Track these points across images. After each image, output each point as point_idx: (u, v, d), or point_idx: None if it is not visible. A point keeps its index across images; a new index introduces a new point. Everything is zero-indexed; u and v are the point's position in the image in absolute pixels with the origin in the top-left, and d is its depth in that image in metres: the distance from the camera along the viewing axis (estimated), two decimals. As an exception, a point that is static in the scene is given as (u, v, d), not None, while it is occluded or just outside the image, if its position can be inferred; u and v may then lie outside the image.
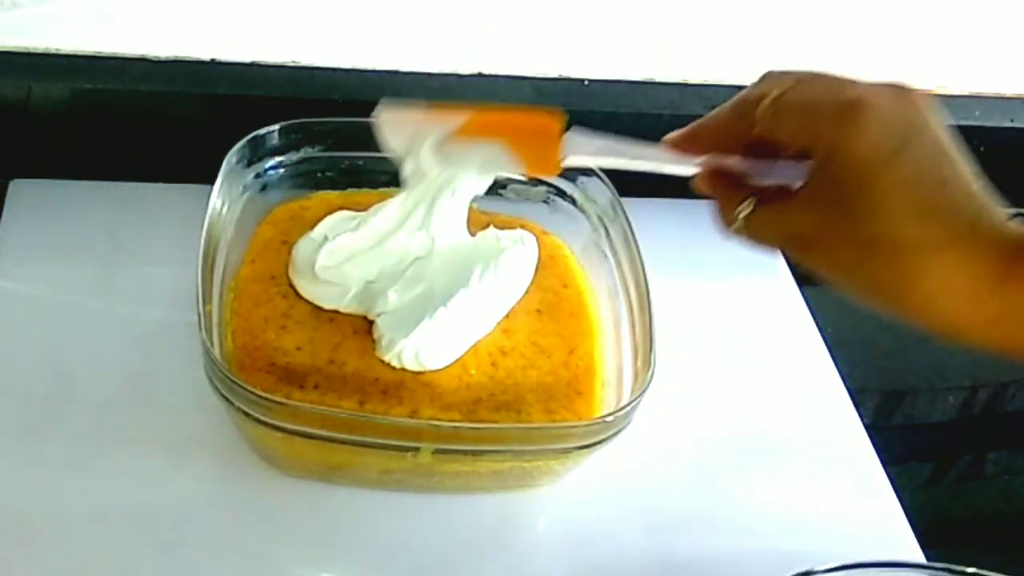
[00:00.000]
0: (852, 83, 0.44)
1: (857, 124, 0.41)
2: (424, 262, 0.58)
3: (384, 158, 0.64)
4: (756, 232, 0.46)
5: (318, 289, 0.58)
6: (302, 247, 0.59)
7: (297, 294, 0.59)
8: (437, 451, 0.52)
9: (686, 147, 0.48)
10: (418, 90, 0.69)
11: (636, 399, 0.53)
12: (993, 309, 0.41)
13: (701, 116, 0.47)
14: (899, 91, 0.43)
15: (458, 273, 0.57)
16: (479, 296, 0.57)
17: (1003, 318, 0.41)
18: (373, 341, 0.57)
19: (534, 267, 0.61)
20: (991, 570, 0.52)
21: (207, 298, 0.54)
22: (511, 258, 0.59)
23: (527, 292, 0.61)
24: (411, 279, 0.57)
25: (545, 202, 0.66)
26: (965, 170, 0.42)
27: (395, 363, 0.56)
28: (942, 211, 0.41)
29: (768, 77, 0.46)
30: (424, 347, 0.55)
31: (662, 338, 0.56)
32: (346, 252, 0.58)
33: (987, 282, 0.41)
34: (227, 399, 0.52)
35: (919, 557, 0.59)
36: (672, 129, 0.48)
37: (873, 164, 0.41)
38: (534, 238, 0.61)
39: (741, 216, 0.46)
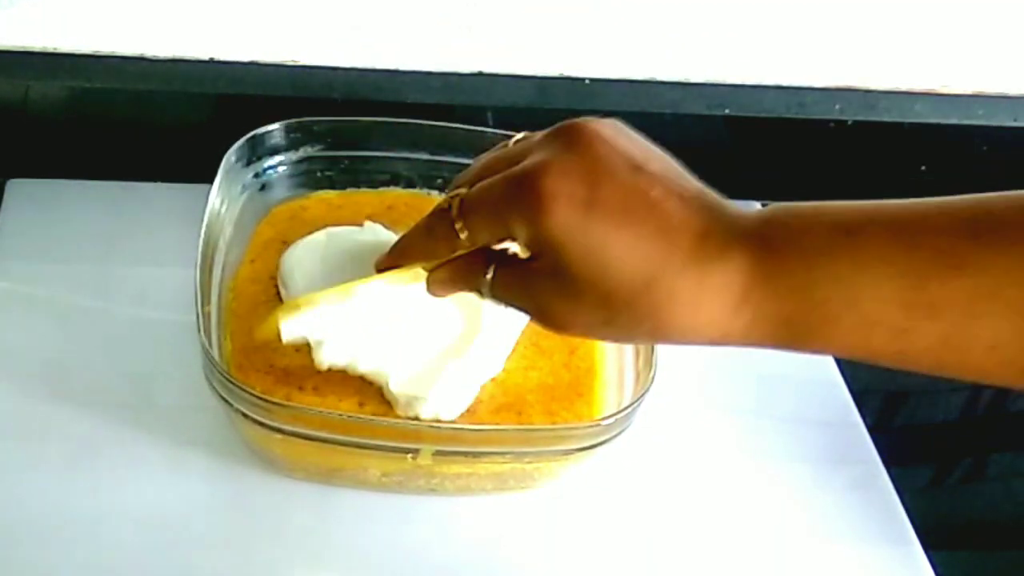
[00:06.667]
0: (523, 153, 0.42)
1: (541, 202, 0.40)
2: (427, 323, 0.55)
3: (384, 158, 0.65)
4: (503, 296, 0.45)
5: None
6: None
7: (295, 295, 0.58)
8: (437, 453, 0.52)
9: (396, 264, 0.48)
10: (418, 89, 0.68)
11: (638, 400, 0.53)
12: (748, 312, 0.39)
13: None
14: (568, 140, 0.41)
15: (464, 321, 0.56)
16: (489, 338, 0.56)
17: (758, 319, 0.39)
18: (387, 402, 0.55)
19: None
20: (995, 572, 0.51)
21: (206, 299, 0.54)
22: None
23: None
24: (419, 341, 0.55)
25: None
26: (674, 180, 0.41)
27: (412, 416, 0.54)
28: (662, 236, 0.39)
29: (454, 181, 0.46)
30: (443, 403, 0.54)
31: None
32: (350, 353, 0.54)
33: (735, 287, 0.39)
34: (226, 400, 0.51)
35: (922, 559, 0.59)
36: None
37: (570, 230, 0.40)
38: None
39: (485, 287, 0.45)
